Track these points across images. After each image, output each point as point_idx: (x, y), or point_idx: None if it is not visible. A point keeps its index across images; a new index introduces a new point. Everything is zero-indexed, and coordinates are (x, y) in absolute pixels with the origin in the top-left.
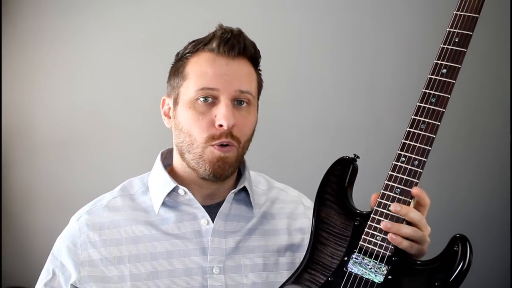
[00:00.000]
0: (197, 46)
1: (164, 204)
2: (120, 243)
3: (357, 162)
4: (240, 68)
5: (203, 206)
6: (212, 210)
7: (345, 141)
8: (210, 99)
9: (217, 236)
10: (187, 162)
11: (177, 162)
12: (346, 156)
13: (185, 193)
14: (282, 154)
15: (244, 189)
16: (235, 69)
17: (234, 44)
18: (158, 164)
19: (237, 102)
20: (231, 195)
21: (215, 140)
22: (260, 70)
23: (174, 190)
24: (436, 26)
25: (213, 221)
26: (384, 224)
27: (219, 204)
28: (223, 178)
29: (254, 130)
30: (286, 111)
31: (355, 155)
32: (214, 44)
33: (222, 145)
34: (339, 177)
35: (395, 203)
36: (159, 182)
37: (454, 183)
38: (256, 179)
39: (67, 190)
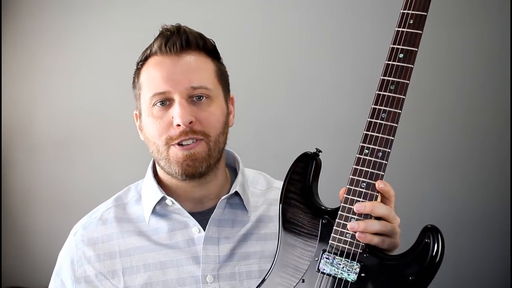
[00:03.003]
0: (145, 53)
1: (155, 213)
2: (113, 257)
3: (319, 157)
4: (188, 64)
5: (195, 213)
6: (205, 216)
7: (345, 141)
8: (166, 102)
9: (210, 244)
10: (163, 168)
11: (159, 172)
12: (308, 152)
13: (173, 203)
14: (282, 154)
15: (238, 193)
16: (182, 66)
17: (175, 40)
18: (148, 173)
19: (196, 97)
20: (223, 200)
21: (174, 140)
22: (220, 59)
23: (162, 199)
24: (436, 26)
25: (205, 228)
26: (350, 225)
27: (211, 210)
28: (199, 176)
29: (226, 122)
30: (286, 111)
31: (317, 149)
32: (156, 46)
33: (185, 144)
34: (302, 175)
35: (357, 204)
36: (149, 192)
37: (454, 183)
38: (255, 179)
39: (67, 190)
